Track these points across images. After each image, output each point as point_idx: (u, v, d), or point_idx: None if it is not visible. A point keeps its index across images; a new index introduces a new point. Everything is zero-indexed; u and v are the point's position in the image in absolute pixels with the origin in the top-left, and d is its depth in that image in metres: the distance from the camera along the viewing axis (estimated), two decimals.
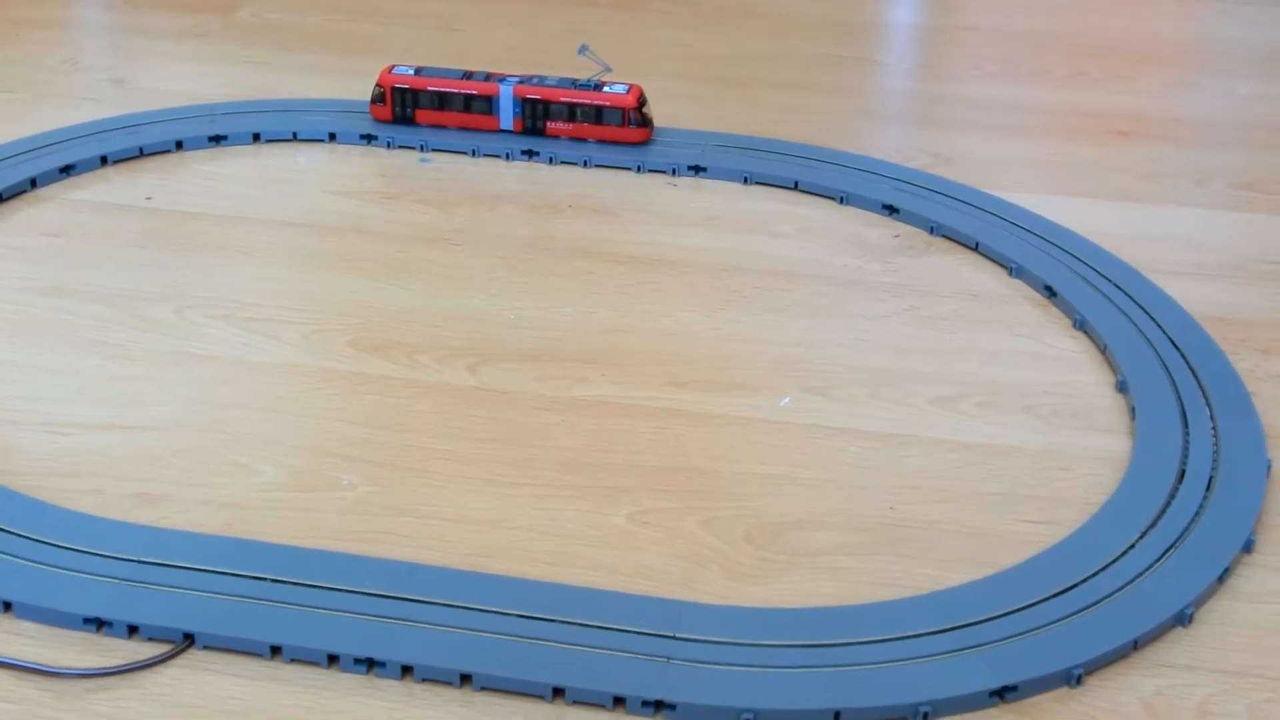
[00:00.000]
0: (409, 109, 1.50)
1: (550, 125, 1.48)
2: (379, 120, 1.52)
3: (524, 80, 1.48)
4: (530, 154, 1.47)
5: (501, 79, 1.48)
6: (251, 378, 1.12)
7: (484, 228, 1.34)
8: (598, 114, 1.46)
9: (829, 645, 0.85)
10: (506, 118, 1.48)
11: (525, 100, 1.47)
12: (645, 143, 1.47)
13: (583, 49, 1.49)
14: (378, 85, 1.51)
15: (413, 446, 1.04)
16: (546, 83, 1.48)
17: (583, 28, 1.84)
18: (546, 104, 1.47)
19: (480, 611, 0.87)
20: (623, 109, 1.45)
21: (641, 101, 1.46)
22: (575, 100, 1.46)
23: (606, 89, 1.46)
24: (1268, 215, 1.40)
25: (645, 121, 1.47)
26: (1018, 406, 1.10)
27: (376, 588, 0.89)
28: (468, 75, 1.49)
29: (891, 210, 1.38)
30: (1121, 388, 1.12)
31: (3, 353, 1.14)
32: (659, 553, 0.94)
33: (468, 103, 1.49)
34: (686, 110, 1.59)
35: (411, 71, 1.50)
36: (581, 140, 1.47)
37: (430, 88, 1.49)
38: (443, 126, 1.50)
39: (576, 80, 1.48)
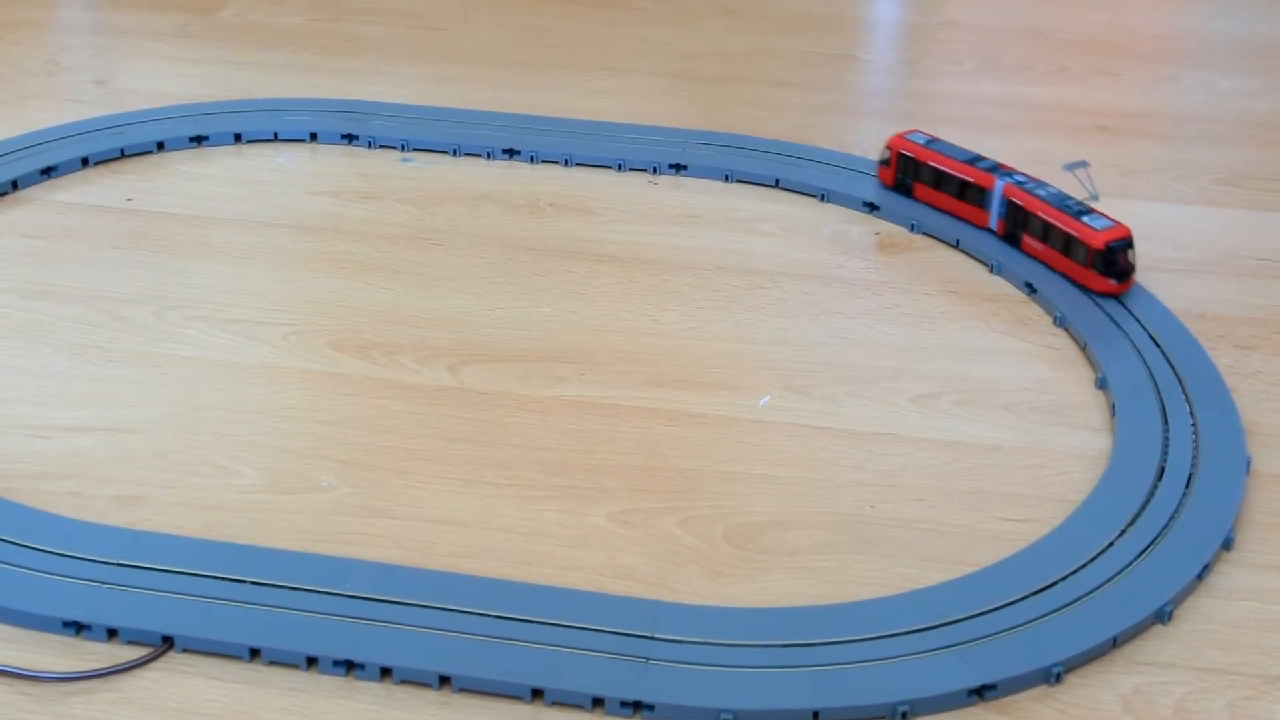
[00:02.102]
0: (909, 180, 1.37)
1: (1026, 239, 1.27)
2: (883, 184, 1.40)
3: (1020, 182, 1.29)
4: (511, 153, 1.47)
5: (1006, 173, 1.31)
6: (231, 379, 1.11)
7: (465, 227, 1.34)
8: (1066, 244, 1.23)
9: (808, 645, 0.85)
10: (994, 216, 1.30)
11: (1010, 202, 1.28)
12: (1115, 295, 1.22)
13: (1074, 166, 1.31)
14: (887, 147, 1.39)
15: (392, 447, 1.04)
16: (1038, 191, 1.28)
17: (564, 25, 1.84)
18: (1027, 214, 1.27)
19: (459, 613, 0.87)
20: (1088, 247, 1.21)
21: (1116, 246, 1.20)
22: (1050, 220, 1.24)
23: (1086, 218, 1.23)
24: (1248, 211, 1.41)
25: (1115, 270, 1.21)
26: (997, 404, 1.10)
27: (355, 589, 0.89)
28: (975, 160, 1.33)
29: (872, 208, 1.38)
30: (1101, 385, 1.12)
31: None
32: (638, 553, 0.94)
33: (963, 189, 1.32)
34: (667, 108, 1.59)
35: (923, 141, 1.37)
36: (1049, 268, 1.25)
37: (931, 163, 1.35)
38: (936, 208, 1.36)
39: (1068, 199, 1.26)
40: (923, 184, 1.36)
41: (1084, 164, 1.29)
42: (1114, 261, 1.20)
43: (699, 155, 1.46)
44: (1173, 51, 1.84)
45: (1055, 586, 0.90)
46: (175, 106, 1.54)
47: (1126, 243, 1.20)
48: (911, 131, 1.39)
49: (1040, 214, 1.25)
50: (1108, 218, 1.22)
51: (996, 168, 1.31)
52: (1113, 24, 1.91)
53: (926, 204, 1.36)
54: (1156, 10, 2.00)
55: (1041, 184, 1.28)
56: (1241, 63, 1.79)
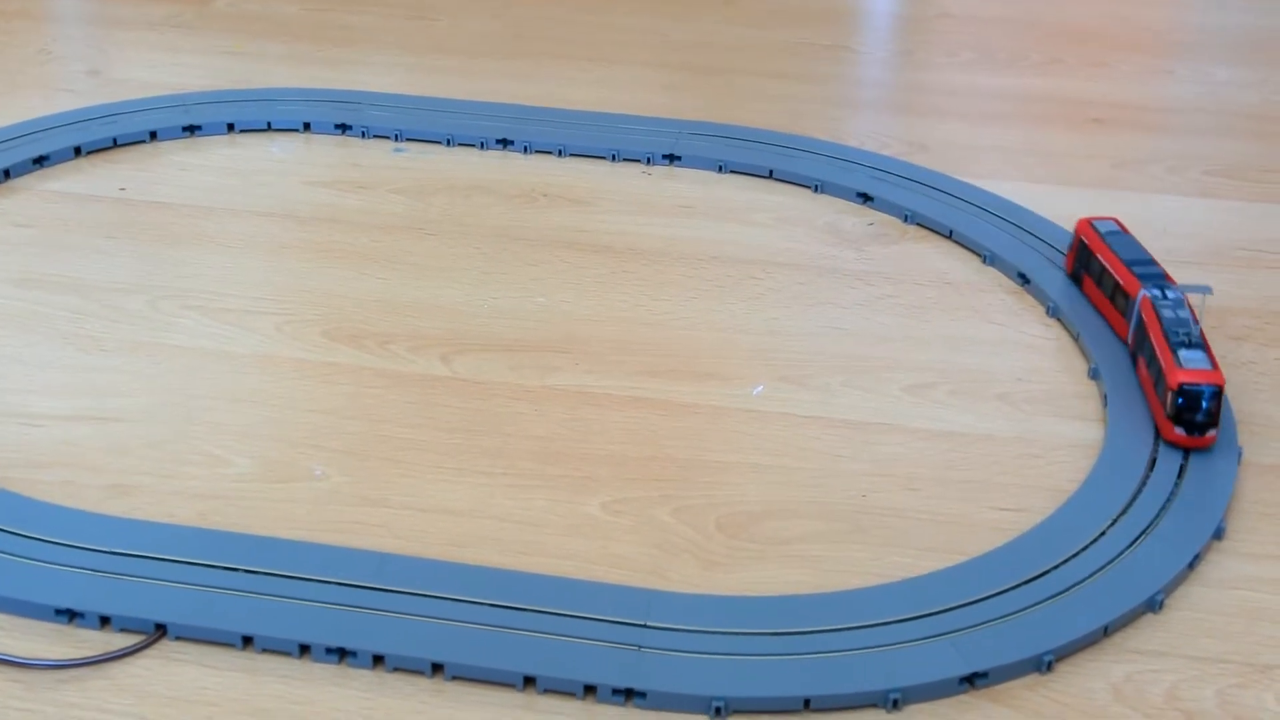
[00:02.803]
0: (1081, 271, 1.20)
1: (1139, 362, 1.09)
2: (1066, 272, 1.24)
3: (1158, 296, 1.09)
4: (505, 143, 1.47)
5: (1158, 284, 1.11)
6: (224, 368, 1.11)
7: (458, 217, 1.34)
8: (1157, 376, 1.04)
9: (800, 633, 0.85)
10: (1131, 327, 1.11)
11: (1140, 317, 1.09)
12: (1184, 448, 1.01)
13: (1192, 289, 1.10)
14: (1074, 231, 1.22)
15: (385, 437, 1.04)
16: (1164, 311, 1.07)
17: (559, 15, 1.84)
18: (1143, 333, 1.08)
19: (452, 601, 0.87)
20: (1165, 383, 1.02)
21: (1193, 389, 1.00)
22: (1154, 346, 1.05)
23: (1185, 352, 1.02)
24: (1242, 202, 1.41)
25: (1184, 418, 1.00)
26: (990, 394, 1.10)
27: (348, 578, 0.89)
28: (1138, 262, 1.14)
29: (866, 198, 1.38)
30: (1094, 375, 1.12)
31: None
32: (631, 542, 0.95)
33: (1114, 293, 1.14)
34: (661, 98, 1.59)
35: (1105, 230, 1.19)
36: (1145, 396, 1.07)
37: (1099, 256, 1.17)
38: (1097, 309, 1.18)
39: (1185, 326, 1.05)
40: (1090, 278, 1.19)
41: (1205, 290, 1.10)
42: (1185, 406, 1.00)
43: (693, 146, 1.46)
44: (1168, 43, 1.84)
45: (1047, 575, 0.90)
46: (168, 96, 1.54)
47: (1209, 391, 1.00)
48: (1103, 219, 1.21)
49: (1151, 336, 1.06)
50: (1212, 358, 1.03)
51: (1154, 276, 1.12)
52: (1107, 14, 1.91)
53: (1090, 302, 1.19)
54: (1151, 1, 2.00)
55: (1180, 304, 1.08)
56: (1236, 54, 1.79)
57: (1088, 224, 1.21)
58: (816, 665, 0.83)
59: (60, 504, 0.95)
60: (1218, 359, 1.03)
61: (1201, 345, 1.03)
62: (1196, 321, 1.06)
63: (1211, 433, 1.01)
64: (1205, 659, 0.86)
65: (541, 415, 1.07)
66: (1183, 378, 1.00)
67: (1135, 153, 1.51)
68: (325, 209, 1.35)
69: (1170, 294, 1.09)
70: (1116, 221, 1.20)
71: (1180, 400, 1.00)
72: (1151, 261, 1.15)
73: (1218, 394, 1.00)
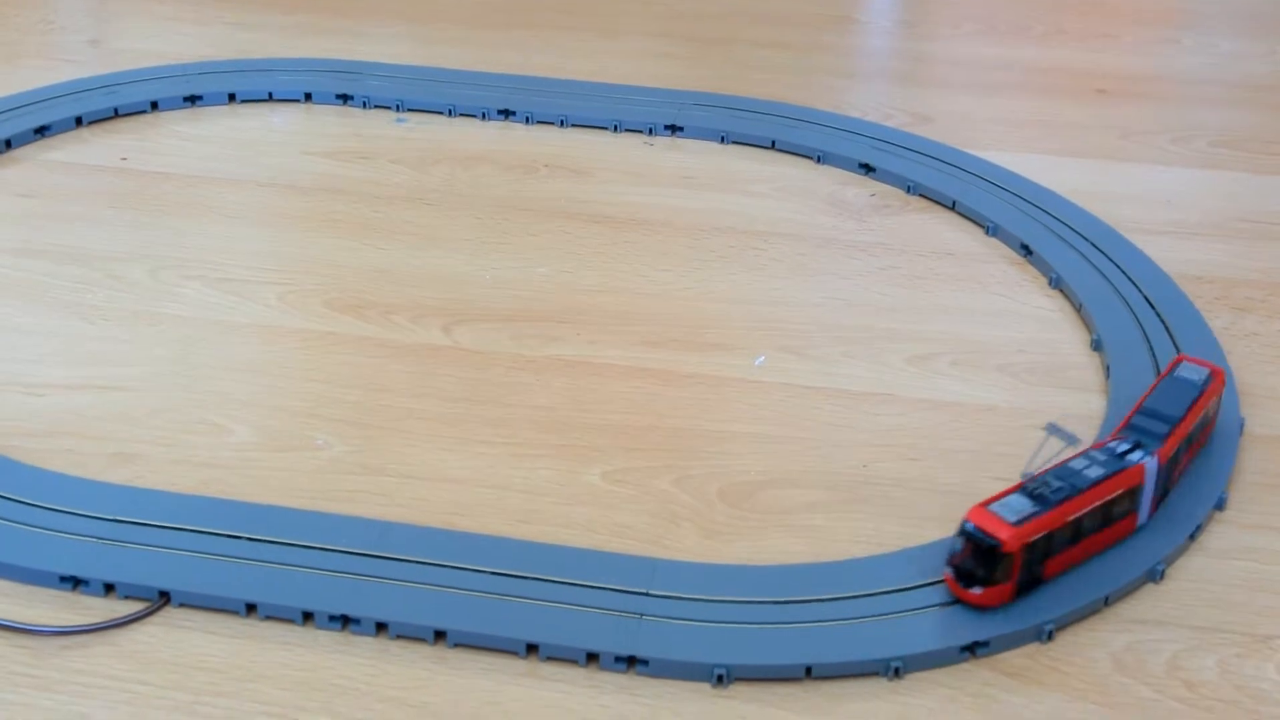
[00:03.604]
0: None
1: None
2: None
3: (1119, 452, 0.91)
4: (506, 114, 1.46)
5: (1136, 441, 0.92)
6: (226, 338, 1.11)
7: (460, 188, 1.34)
8: None
9: (801, 602, 0.86)
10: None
11: None
12: (951, 593, 0.86)
13: (1059, 432, 0.89)
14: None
15: (387, 406, 1.04)
16: (1085, 461, 0.90)
17: None
18: None
19: (454, 569, 0.87)
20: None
21: (970, 531, 0.84)
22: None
23: (1019, 493, 0.87)
24: (1246, 174, 1.41)
25: (951, 559, 0.86)
26: (992, 365, 1.10)
27: (351, 546, 0.89)
28: (1153, 415, 0.95)
29: (868, 169, 1.37)
30: (1096, 346, 1.12)
31: None
32: (633, 511, 0.95)
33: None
34: (663, 69, 1.59)
35: (1182, 373, 0.99)
36: None
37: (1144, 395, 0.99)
38: None
39: (1076, 479, 0.88)
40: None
41: (1072, 440, 0.89)
42: (957, 545, 0.86)
43: (695, 116, 1.45)
44: (1171, 13, 1.84)
45: None
46: (169, 66, 1.54)
47: (984, 543, 0.84)
48: (1198, 363, 1.00)
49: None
50: (1037, 524, 0.84)
51: (1146, 433, 0.93)
52: None
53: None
54: None
55: (1119, 465, 0.89)
56: (1241, 25, 1.79)
57: (1173, 363, 1.01)
58: (818, 634, 0.84)
59: (63, 472, 0.96)
60: (1044, 528, 0.85)
61: (1049, 504, 0.86)
62: (1101, 492, 0.88)
63: (978, 591, 0.85)
64: (1206, 629, 0.87)
65: (543, 385, 1.07)
66: (971, 515, 0.85)
67: (1140, 123, 1.50)
68: (326, 179, 1.35)
69: (1136, 456, 0.90)
70: (1213, 370, 0.99)
71: (958, 533, 0.86)
72: (1174, 421, 0.94)
73: (993, 551, 0.83)
